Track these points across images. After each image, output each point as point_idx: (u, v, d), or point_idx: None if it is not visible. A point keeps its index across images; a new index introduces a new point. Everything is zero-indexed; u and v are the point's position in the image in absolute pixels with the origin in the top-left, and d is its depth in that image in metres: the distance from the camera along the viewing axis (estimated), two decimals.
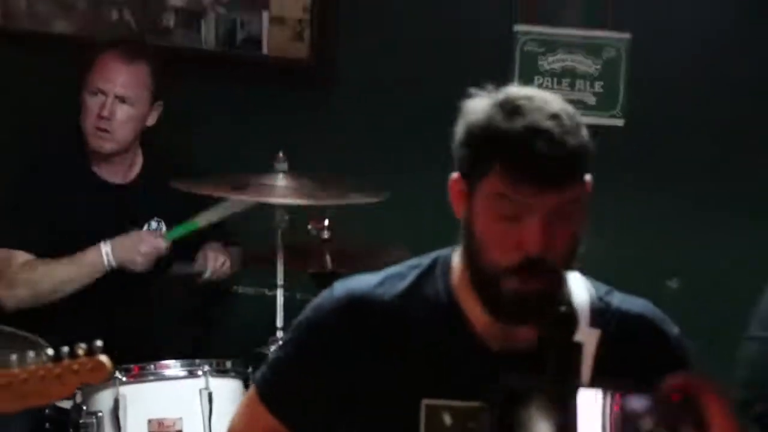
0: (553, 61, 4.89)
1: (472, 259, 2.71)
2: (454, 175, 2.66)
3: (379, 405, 2.81)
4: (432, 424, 2.79)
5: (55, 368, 2.80)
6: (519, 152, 2.59)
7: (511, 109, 2.62)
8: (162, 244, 4.66)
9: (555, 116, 2.59)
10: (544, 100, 2.65)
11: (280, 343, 3.12)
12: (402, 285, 2.85)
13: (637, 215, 4.69)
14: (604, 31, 4.83)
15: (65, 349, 2.75)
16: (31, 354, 2.80)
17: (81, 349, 2.76)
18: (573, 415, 1.84)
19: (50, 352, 2.78)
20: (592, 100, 4.84)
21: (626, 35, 4.79)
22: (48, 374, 2.84)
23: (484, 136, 2.64)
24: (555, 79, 4.86)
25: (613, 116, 4.80)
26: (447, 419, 2.79)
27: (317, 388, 2.87)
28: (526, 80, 4.68)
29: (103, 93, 4.63)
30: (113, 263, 4.61)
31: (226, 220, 4.76)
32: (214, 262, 4.82)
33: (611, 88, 4.82)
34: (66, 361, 2.78)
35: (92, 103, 4.62)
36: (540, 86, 4.75)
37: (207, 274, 4.81)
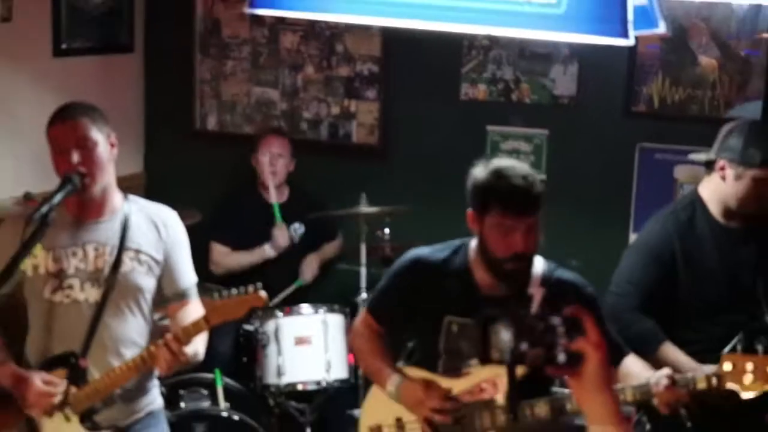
0: (507, 145, 4.91)
1: (486, 253, 2.87)
2: (469, 210, 2.87)
3: (425, 316, 3.01)
4: (448, 331, 2.96)
5: (235, 298, 2.91)
6: (507, 199, 2.79)
7: (500, 174, 2.81)
8: (286, 235, 4.74)
9: (524, 177, 2.82)
10: (515, 167, 2.87)
11: (381, 282, 3.18)
12: (443, 255, 3.02)
13: (554, 225, 4.26)
14: (532, 129, 4.88)
15: (242, 288, 2.92)
16: (225, 291, 2.92)
17: (251, 287, 2.91)
18: (522, 329, 1.73)
19: (234, 290, 2.92)
20: (529, 165, 4.12)
21: (545, 131, 4.86)
22: (232, 301, 2.91)
23: (486, 190, 2.82)
24: (508, 155, 4.77)
25: (539, 174, 4.13)
26: (455, 328, 2.95)
27: (397, 304, 3.08)
28: (494, 156, 4.40)
29: (270, 153, 4.82)
30: (273, 253, 4.76)
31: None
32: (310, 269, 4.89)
33: (538, 158, 4.85)
34: (242, 295, 2.91)
35: (263, 159, 4.82)
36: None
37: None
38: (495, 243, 2.84)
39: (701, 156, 3.45)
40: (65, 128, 2.96)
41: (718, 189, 3.34)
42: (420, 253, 3.08)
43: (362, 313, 3.24)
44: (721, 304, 3.32)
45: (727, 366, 2.80)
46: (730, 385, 2.79)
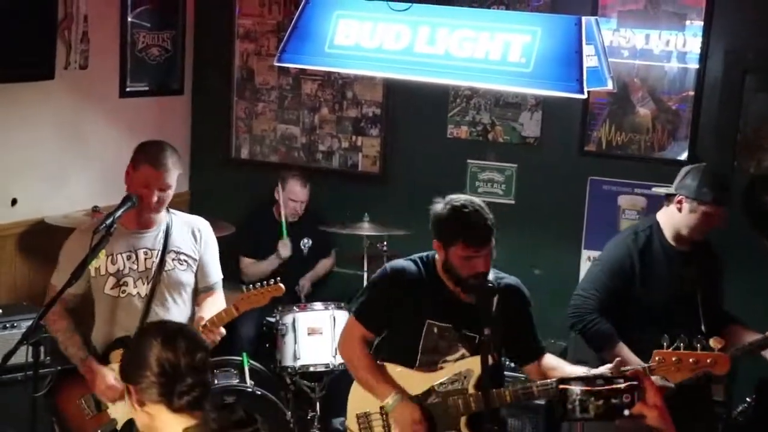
0: (484, 176, 4.85)
1: (452, 272, 2.78)
2: (435, 241, 2.80)
3: (407, 320, 2.90)
4: (429, 332, 2.85)
5: (260, 289, 2.93)
6: (468, 236, 2.71)
7: (459, 213, 2.72)
8: (288, 247, 4.69)
9: (479, 214, 2.73)
10: (471, 202, 2.76)
11: (363, 292, 3.04)
12: (415, 267, 2.90)
13: (520, 241, 4.54)
14: (504, 163, 4.80)
15: (264, 282, 2.97)
16: (251, 285, 2.92)
17: (272, 281, 2.96)
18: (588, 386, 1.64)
19: (258, 285, 2.98)
20: (501, 192, 4.79)
21: (515, 165, 4.81)
22: (257, 292, 2.94)
23: (449, 228, 2.73)
24: (485, 183, 4.81)
25: (510, 199, 4.76)
26: (435, 330, 2.85)
27: (381, 311, 2.94)
28: (473, 184, 4.84)
29: (294, 201, 4.79)
30: (283, 257, 4.69)
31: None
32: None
33: (508, 187, 4.79)
34: (265, 287, 2.96)
35: (290, 204, 4.77)
36: (478, 188, 4.79)
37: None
38: (460, 267, 2.75)
39: (662, 190, 3.44)
40: (158, 173, 2.96)
41: (673, 218, 3.33)
42: (396, 265, 2.94)
43: (350, 321, 3.01)
44: (666, 310, 3.29)
45: (657, 359, 2.82)
46: (660, 375, 2.79)
